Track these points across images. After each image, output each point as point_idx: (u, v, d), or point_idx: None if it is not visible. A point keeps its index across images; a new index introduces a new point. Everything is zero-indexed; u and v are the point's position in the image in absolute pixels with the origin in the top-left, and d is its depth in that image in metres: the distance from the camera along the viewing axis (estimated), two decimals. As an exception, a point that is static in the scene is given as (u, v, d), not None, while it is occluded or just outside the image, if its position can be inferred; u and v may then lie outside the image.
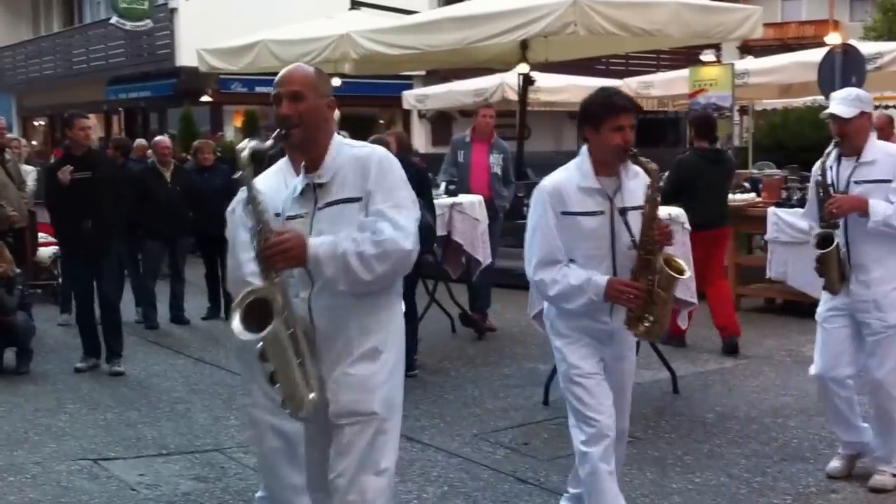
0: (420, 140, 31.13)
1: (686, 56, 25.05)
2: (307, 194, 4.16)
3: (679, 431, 7.77)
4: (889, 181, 6.16)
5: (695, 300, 8.56)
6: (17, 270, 10.65)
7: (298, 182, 4.23)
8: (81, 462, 7.28)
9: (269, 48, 15.13)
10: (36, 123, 41.08)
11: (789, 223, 11.21)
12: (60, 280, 14.24)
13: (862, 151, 6.27)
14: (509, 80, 19.07)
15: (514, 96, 18.39)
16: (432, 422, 8.13)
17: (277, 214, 4.22)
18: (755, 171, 17.07)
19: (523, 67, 14.53)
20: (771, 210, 11.68)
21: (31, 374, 10.07)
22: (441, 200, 10.95)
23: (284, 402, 4.15)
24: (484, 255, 11.14)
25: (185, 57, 25.64)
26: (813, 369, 6.59)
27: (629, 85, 20.72)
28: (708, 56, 18.71)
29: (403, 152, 9.65)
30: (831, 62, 14.47)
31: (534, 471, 6.90)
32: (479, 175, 11.80)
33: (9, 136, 14.65)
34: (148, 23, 28.88)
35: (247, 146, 4.00)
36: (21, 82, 39.35)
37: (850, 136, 6.25)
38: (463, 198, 11.22)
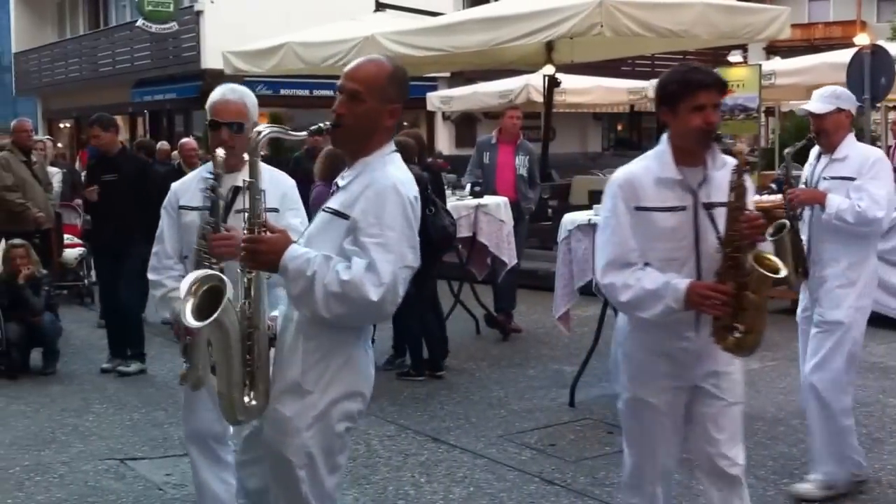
0: (444, 142, 31.17)
1: (712, 57, 24.95)
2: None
3: (705, 433, 7.74)
4: (853, 179, 6.17)
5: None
6: (44, 271, 10.73)
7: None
8: (108, 462, 7.33)
9: (294, 50, 15.16)
10: (61, 126, 41.31)
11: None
12: (86, 281, 14.35)
13: (836, 148, 6.30)
14: (534, 81, 19.07)
15: (539, 98, 18.40)
16: (458, 423, 8.13)
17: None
18: (782, 172, 17.00)
19: (549, 69, 14.53)
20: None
21: (58, 374, 10.13)
22: (466, 202, 10.97)
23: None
24: (509, 256, 11.14)
25: (211, 59, 25.74)
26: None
27: (655, 86, 20.71)
28: (735, 57, 18.67)
29: (420, 153, 9.67)
30: (860, 63, 14.41)
31: (560, 472, 6.89)
32: (504, 176, 11.81)
33: (35, 138, 14.73)
34: (173, 25, 29.01)
35: (265, 129, 3.88)
36: (47, 85, 39.59)
37: (824, 132, 6.31)
38: (488, 199, 11.23)
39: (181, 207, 5.08)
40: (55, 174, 15.12)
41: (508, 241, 11.17)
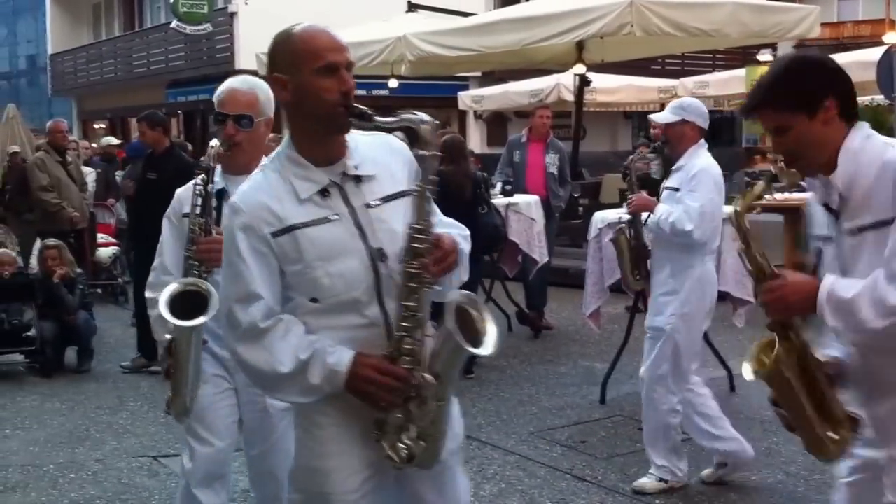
0: (475, 140, 31.14)
1: (742, 56, 24.90)
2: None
3: (736, 429, 7.74)
4: (678, 190, 6.41)
5: (752, 298, 8.53)
6: (79, 270, 10.84)
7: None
8: (141, 459, 7.41)
9: (327, 51, 15.22)
10: (96, 126, 41.57)
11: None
12: (120, 280, 14.47)
13: (679, 158, 6.49)
14: (565, 80, 19.07)
15: (569, 97, 18.39)
16: (489, 420, 8.18)
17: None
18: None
19: (579, 68, 14.53)
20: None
21: (93, 372, 10.24)
22: (497, 200, 11.00)
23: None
24: (540, 254, 11.18)
25: (244, 60, 25.83)
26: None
27: (685, 85, 20.67)
28: (765, 55, 18.60)
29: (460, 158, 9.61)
30: (889, 61, 14.35)
31: (591, 468, 6.93)
32: (535, 175, 11.84)
33: (70, 138, 14.90)
34: (208, 27, 29.14)
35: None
36: (82, 86, 39.84)
37: (669, 142, 6.55)
38: (519, 198, 11.26)
39: (185, 215, 4.41)
40: (89, 174, 15.26)
41: (539, 238, 11.21)
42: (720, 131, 34.16)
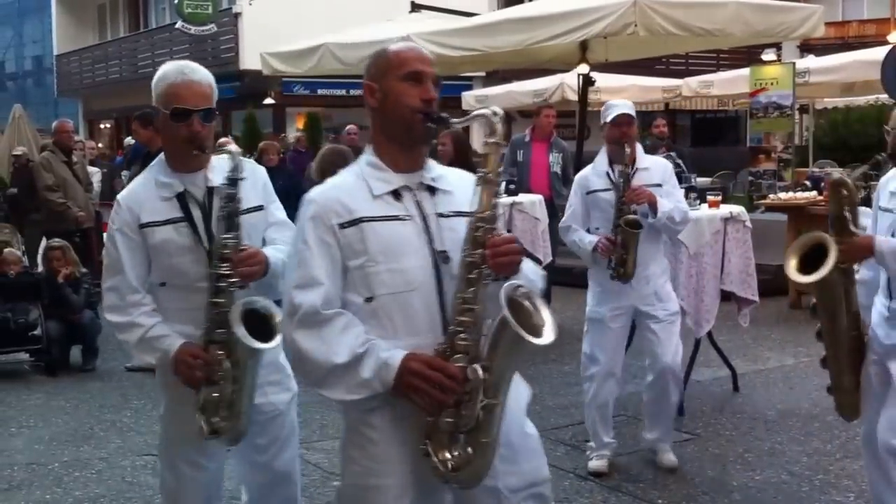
0: (479, 140, 31.19)
1: (746, 55, 24.87)
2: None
3: (740, 429, 7.77)
4: (661, 185, 6.72)
5: (756, 298, 8.55)
6: (84, 270, 10.86)
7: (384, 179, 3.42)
8: (146, 458, 7.40)
9: (331, 51, 15.22)
10: (102, 126, 41.65)
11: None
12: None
13: (636, 158, 6.69)
14: (569, 80, 19.07)
15: (573, 96, 18.38)
16: (493, 419, 8.17)
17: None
18: (816, 169, 16.94)
19: (583, 68, 14.52)
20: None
21: (97, 371, 10.26)
22: (500, 200, 10.99)
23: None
24: (544, 253, 11.19)
25: (249, 60, 25.93)
26: (593, 368, 7.03)
27: (689, 84, 20.66)
28: (769, 55, 18.59)
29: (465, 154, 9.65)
30: (894, 60, 14.33)
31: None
32: (538, 174, 11.86)
33: (76, 138, 14.93)
34: (212, 27, 29.19)
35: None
36: (87, 86, 39.95)
37: (631, 140, 6.67)
38: (523, 197, 11.27)
39: (144, 226, 4.06)
40: (95, 173, 15.30)
41: (543, 238, 11.21)
42: (725, 131, 34.17)
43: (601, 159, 6.82)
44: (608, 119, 6.69)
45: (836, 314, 4.68)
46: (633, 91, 21.32)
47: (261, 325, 3.90)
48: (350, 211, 3.30)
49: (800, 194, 12.70)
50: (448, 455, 3.18)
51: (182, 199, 4.08)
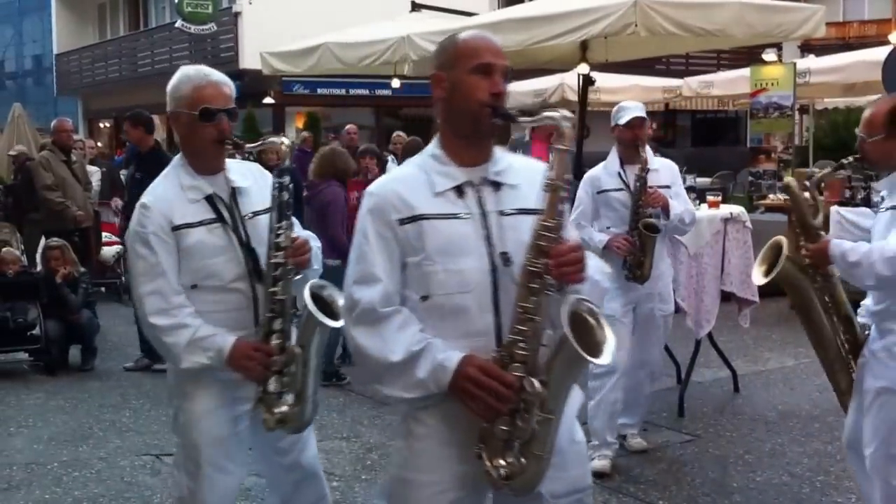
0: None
1: (747, 55, 24.83)
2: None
3: (740, 430, 7.76)
4: (669, 187, 6.86)
5: (756, 298, 8.54)
6: (82, 269, 10.85)
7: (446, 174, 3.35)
8: (145, 457, 7.41)
9: (331, 51, 15.20)
10: (101, 125, 41.62)
11: (853, 222, 11.10)
12: (124, 278, 14.48)
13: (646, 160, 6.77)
14: (569, 80, 19.05)
15: (573, 96, 18.36)
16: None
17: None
18: (816, 170, 16.89)
19: (583, 68, 14.49)
20: (834, 209, 11.58)
21: (96, 370, 10.25)
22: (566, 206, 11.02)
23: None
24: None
25: (249, 60, 25.91)
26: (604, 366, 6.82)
27: (690, 84, 20.64)
28: (770, 55, 18.55)
29: None
30: (895, 61, 14.30)
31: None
32: (539, 174, 11.85)
33: (76, 137, 14.91)
34: (212, 26, 29.12)
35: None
36: (87, 85, 39.91)
37: (643, 142, 6.81)
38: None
39: (177, 228, 4.06)
40: (94, 173, 15.28)
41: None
42: (725, 131, 34.19)
43: (613, 159, 6.88)
44: (621, 121, 6.72)
45: (812, 316, 4.86)
46: (633, 91, 21.27)
47: (324, 311, 3.91)
48: (409, 207, 3.25)
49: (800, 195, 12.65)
50: (502, 462, 3.15)
51: (211, 200, 4.10)
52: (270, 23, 25.97)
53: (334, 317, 3.88)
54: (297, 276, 4.01)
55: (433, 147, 3.40)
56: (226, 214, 4.10)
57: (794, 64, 17.18)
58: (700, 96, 21.89)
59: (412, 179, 3.32)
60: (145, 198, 4.16)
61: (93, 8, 41.73)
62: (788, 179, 5.21)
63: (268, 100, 27.82)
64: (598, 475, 6.61)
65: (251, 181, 4.22)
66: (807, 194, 5.20)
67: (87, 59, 39.96)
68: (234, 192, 4.13)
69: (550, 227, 3.12)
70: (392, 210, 3.25)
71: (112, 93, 37.45)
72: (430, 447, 3.31)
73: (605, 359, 3.08)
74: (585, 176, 7.11)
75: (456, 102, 3.30)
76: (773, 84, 15.82)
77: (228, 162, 4.22)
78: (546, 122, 3.22)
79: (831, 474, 6.67)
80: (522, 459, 3.14)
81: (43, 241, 11.71)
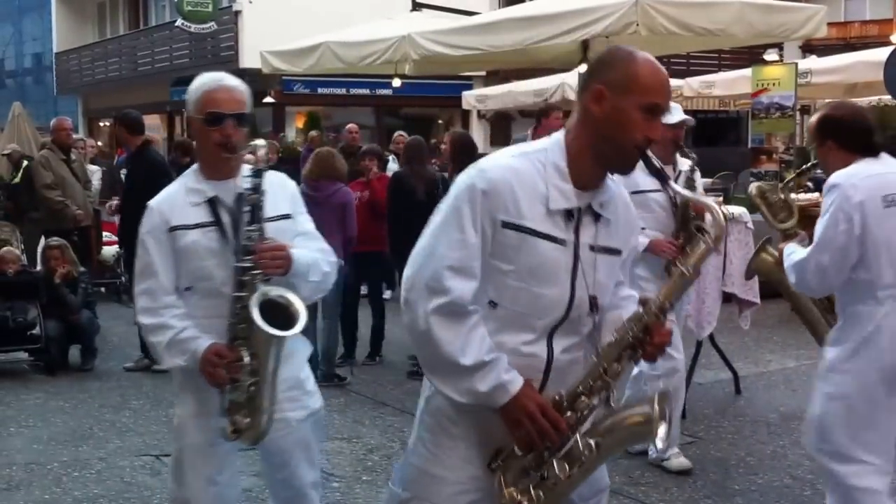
0: (479, 140, 31.09)
1: (748, 55, 24.83)
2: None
3: (742, 432, 7.74)
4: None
5: (757, 300, 8.52)
6: (82, 269, 10.83)
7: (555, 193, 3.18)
8: (144, 458, 7.40)
9: (331, 50, 15.19)
10: (101, 124, 41.61)
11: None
12: (123, 278, 14.46)
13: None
14: (570, 80, 19.02)
15: (574, 96, 18.28)
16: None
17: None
18: (818, 170, 16.84)
19: (584, 68, 14.49)
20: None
21: (96, 370, 10.23)
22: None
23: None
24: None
25: (249, 59, 25.87)
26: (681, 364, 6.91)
27: (691, 85, 20.61)
28: (771, 55, 18.55)
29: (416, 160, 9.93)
30: (896, 61, 14.30)
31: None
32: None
33: (75, 136, 14.89)
34: (212, 25, 29.16)
35: None
36: (87, 84, 39.93)
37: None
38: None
39: (173, 229, 4.06)
40: (95, 172, 15.27)
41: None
42: (726, 131, 34.12)
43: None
44: (671, 121, 6.51)
45: (803, 313, 5.39)
46: (633, 91, 21.30)
47: (281, 315, 3.82)
48: (520, 214, 3.09)
49: (802, 196, 12.64)
50: (515, 491, 3.17)
51: (213, 204, 4.07)
52: (271, 22, 25.96)
53: (292, 319, 3.83)
54: (266, 280, 3.91)
55: (557, 154, 3.19)
56: (225, 219, 4.04)
57: (796, 64, 17.14)
58: (701, 96, 21.84)
59: (530, 181, 3.13)
60: (153, 200, 4.20)
61: (93, 6, 41.73)
62: (751, 187, 5.44)
63: (268, 99, 27.83)
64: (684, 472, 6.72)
65: (268, 187, 4.05)
66: (782, 196, 5.52)
67: (86, 57, 39.98)
68: (241, 197, 4.01)
69: (665, 308, 3.10)
70: (501, 209, 3.09)
71: (112, 92, 37.45)
72: (460, 447, 3.28)
73: (660, 442, 3.14)
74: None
75: (610, 129, 3.12)
76: (774, 84, 15.77)
77: (246, 168, 4.10)
78: (699, 204, 3.20)
79: (833, 476, 6.63)
80: (540, 493, 3.14)
81: (43, 240, 11.69)
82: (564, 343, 3.22)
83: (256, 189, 3.93)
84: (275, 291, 3.87)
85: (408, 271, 3.21)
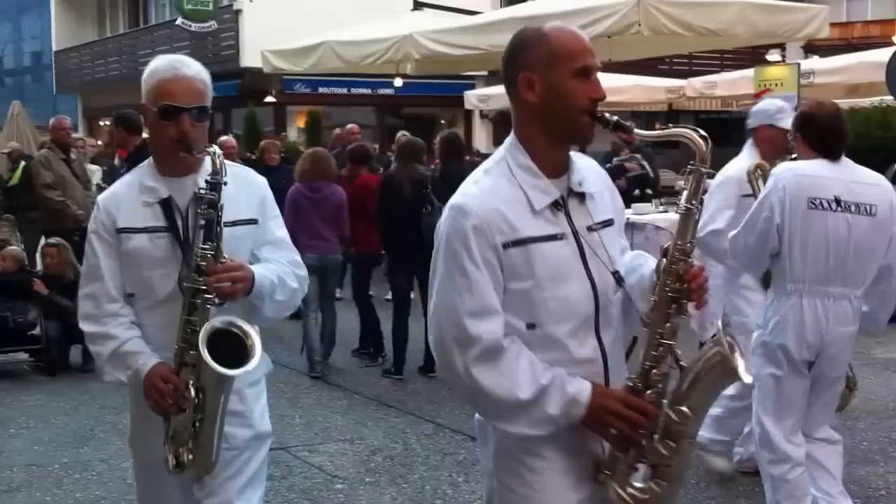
0: (481, 140, 31.15)
1: (750, 56, 24.79)
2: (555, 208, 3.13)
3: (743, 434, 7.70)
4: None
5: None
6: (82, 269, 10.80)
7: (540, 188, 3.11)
8: (147, 459, 7.37)
9: (332, 49, 15.19)
10: (101, 123, 41.59)
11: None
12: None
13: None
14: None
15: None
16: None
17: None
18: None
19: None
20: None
21: (97, 371, 10.17)
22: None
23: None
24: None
25: (250, 58, 25.87)
26: None
27: (693, 85, 20.59)
28: (774, 56, 18.51)
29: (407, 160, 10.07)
30: (899, 62, 14.25)
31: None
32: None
33: (74, 135, 14.86)
34: (213, 24, 29.11)
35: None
36: (87, 83, 39.91)
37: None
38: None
39: (121, 231, 3.71)
40: (95, 171, 15.24)
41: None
42: (729, 131, 34.04)
43: (752, 161, 6.40)
44: (782, 124, 6.38)
45: None
46: (636, 91, 21.29)
47: (234, 348, 3.52)
48: (514, 229, 2.99)
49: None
50: (633, 489, 3.07)
51: (167, 206, 3.70)
52: (271, 21, 25.91)
53: (245, 353, 3.54)
54: (221, 304, 3.56)
55: (515, 153, 3.13)
56: (179, 223, 3.68)
57: (798, 65, 17.12)
58: (704, 97, 21.85)
59: (507, 194, 3.04)
60: (101, 195, 3.92)
61: (92, 5, 41.70)
62: (749, 165, 6.00)
63: (269, 98, 27.83)
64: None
65: (231, 187, 3.68)
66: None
67: (86, 56, 39.96)
68: (197, 199, 3.64)
69: (687, 250, 3.02)
70: (497, 232, 2.98)
71: (112, 90, 37.38)
72: (552, 479, 3.10)
73: (747, 378, 3.09)
74: (727, 177, 6.54)
75: (554, 109, 3.04)
76: (776, 85, 15.74)
77: (208, 163, 3.67)
78: (677, 139, 3.07)
79: (853, 476, 6.61)
80: (654, 483, 3.07)
81: (43, 240, 11.66)
82: (611, 334, 3.14)
83: (212, 205, 3.56)
84: (227, 321, 3.55)
85: (431, 338, 3.09)
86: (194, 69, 3.78)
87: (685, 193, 3.05)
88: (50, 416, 8.61)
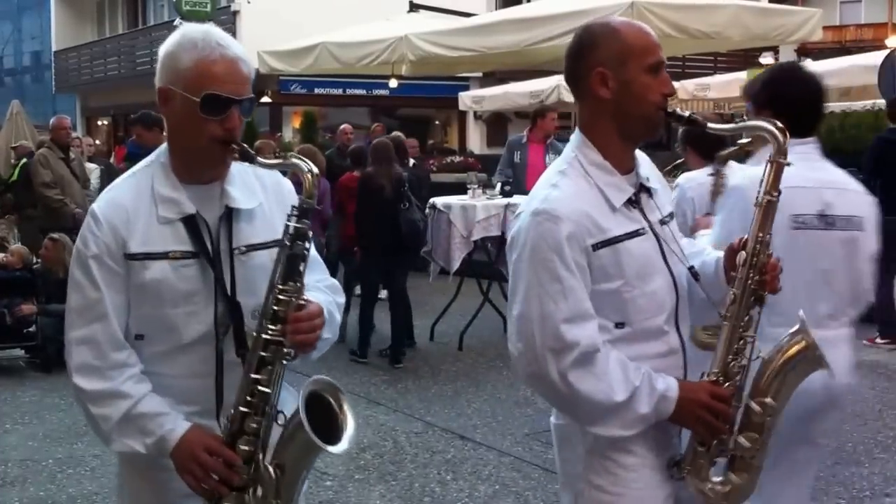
0: (475, 141, 31.21)
1: (743, 58, 24.85)
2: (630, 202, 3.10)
3: (731, 433, 7.76)
4: None
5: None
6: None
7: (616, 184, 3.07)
8: (140, 455, 7.42)
9: (328, 50, 15.24)
10: (99, 123, 41.64)
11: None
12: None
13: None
14: (565, 82, 19.09)
15: (570, 98, 18.12)
16: (484, 420, 8.19)
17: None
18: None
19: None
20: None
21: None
22: (496, 201, 11.07)
23: None
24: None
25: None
26: None
27: (686, 87, 20.65)
28: (767, 58, 18.59)
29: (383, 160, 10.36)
30: (891, 65, 14.32)
31: (585, 469, 6.93)
32: (535, 176, 11.73)
33: (73, 135, 14.91)
34: (210, 25, 29.25)
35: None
36: (86, 83, 39.92)
37: None
38: (518, 198, 11.26)
39: (132, 257, 2.85)
40: (93, 170, 15.28)
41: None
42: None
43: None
44: None
45: None
46: (629, 93, 21.33)
47: (323, 420, 2.79)
48: (601, 229, 2.95)
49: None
50: (713, 482, 3.07)
51: (192, 223, 2.88)
52: (268, 22, 25.96)
53: (334, 428, 2.83)
54: (293, 360, 2.82)
55: (589, 153, 3.09)
56: (209, 247, 2.89)
57: (791, 67, 17.17)
58: (696, 99, 21.90)
59: (588, 195, 3.01)
60: (97, 203, 3.00)
61: (91, 5, 41.74)
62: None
63: (265, 99, 27.86)
64: None
65: (259, 199, 3.00)
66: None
67: (85, 56, 39.98)
68: (230, 215, 2.92)
69: (767, 242, 3.03)
70: (587, 235, 2.93)
71: (110, 90, 37.46)
72: (644, 475, 3.06)
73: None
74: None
75: (628, 104, 3.01)
76: (769, 87, 15.79)
77: (234, 167, 2.97)
78: (756, 132, 3.10)
79: (821, 479, 6.61)
80: (742, 474, 3.08)
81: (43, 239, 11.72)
82: (687, 325, 3.15)
83: (302, 235, 2.78)
84: (332, 390, 2.85)
85: (517, 346, 2.99)
86: (238, 48, 2.93)
87: (763, 185, 3.05)
88: (44, 412, 8.65)
